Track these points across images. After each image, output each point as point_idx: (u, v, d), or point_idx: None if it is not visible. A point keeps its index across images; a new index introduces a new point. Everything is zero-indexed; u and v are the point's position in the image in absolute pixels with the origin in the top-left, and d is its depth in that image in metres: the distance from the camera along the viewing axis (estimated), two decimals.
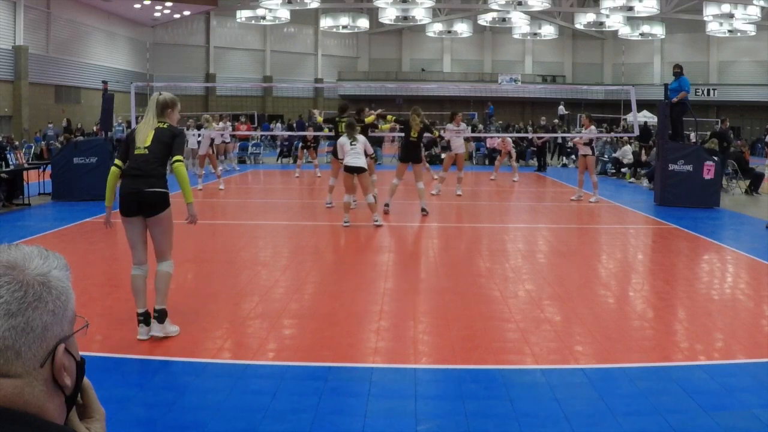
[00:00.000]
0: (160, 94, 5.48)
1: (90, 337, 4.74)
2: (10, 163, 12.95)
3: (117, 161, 5.39)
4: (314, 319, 5.87)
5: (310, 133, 21.73)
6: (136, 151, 5.23)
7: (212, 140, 20.70)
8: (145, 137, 5.26)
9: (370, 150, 11.37)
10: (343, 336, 5.43)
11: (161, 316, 5.29)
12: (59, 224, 10.85)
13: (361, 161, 10.77)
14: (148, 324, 5.27)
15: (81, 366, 1.14)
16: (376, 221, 10.85)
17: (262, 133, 30.47)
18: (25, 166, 13.88)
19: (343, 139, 11.08)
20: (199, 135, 20.80)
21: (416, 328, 5.62)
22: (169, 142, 5.26)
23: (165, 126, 5.32)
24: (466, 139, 22.77)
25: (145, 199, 5.17)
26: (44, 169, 14.68)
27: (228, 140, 21.17)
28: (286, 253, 9.33)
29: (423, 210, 12.06)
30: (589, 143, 14.44)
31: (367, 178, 11.08)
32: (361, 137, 11.04)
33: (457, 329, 5.57)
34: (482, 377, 4.60)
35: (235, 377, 4.51)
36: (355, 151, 10.76)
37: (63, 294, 1.09)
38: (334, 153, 12.27)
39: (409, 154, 12.27)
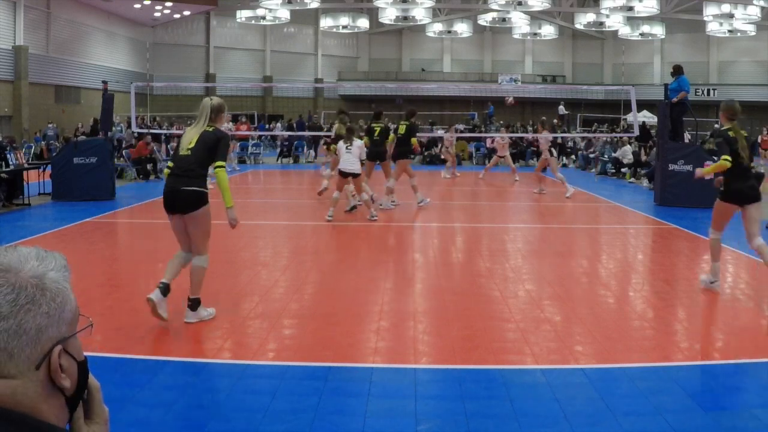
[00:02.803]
0: (212, 99, 5.72)
1: (90, 337, 4.75)
2: (10, 163, 12.94)
3: (170, 162, 5.74)
4: (314, 319, 5.87)
5: (308, 134, 21.69)
6: (181, 152, 5.53)
7: None
8: (190, 139, 5.54)
9: (364, 156, 11.67)
10: (343, 336, 5.43)
11: (194, 304, 5.63)
12: (59, 224, 10.85)
13: (356, 166, 11.09)
14: (164, 294, 5.49)
15: (83, 366, 1.14)
16: (373, 217, 11.23)
17: (262, 133, 30.48)
18: (25, 166, 13.87)
19: (341, 144, 11.27)
20: None
21: (416, 328, 5.62)
22: (212, 146, 5.52)
23: (211, 130, 5.57)
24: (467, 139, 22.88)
25: (181, 198, 5.45)
26: (44, 169, 14.68)
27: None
28: (286, 253, 9.33)
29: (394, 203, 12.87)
30: (549, 146, 15.92)
31: (361, 181, 11.30)
32: (357, 142, 11.27)
33: (457, 329, 5.57)
34: (482, 377, 4.60)
35: (235, 377, 4.51)
36: (350, 155, 11.04)
37: (59, 296, 1.09)
38: (370, 157, 12.69)
39: (375, 153, 12.79)
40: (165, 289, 5.49)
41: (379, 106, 18.15)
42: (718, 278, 6.98)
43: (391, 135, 13.34)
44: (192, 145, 5.49)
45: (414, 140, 13.62)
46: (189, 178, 5.44)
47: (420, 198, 13.11)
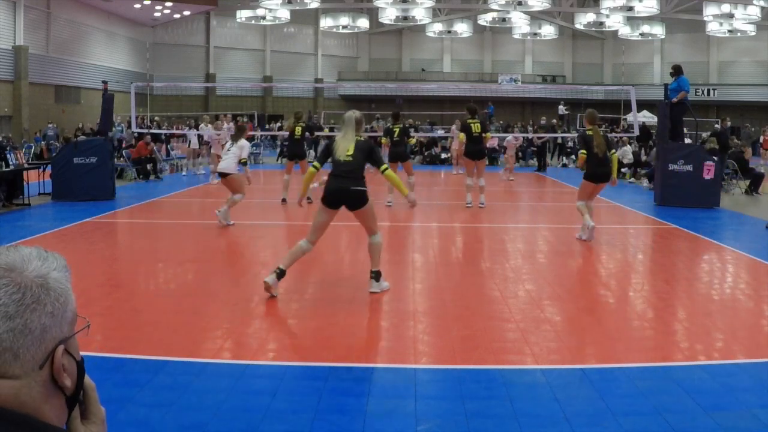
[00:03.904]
0: (354, 113, 6.67)
1: (90, 337, 4.75)
2: (10, 163, 12.95)
3: (316, 164, 6.77)
4: (314, 319, 5.87)
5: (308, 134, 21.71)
6: (342, 159, 6.41)
7: (201, 137, 20.77)
8: (346, 148, 6.45)
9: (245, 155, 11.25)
10: (343, 336, 5.43)
11: (377, 276, 6.55)
12: (59, 224, 10.85)
13: (231, 167, 10.77)
14: (279, 278, 6.38)
15: (81, 366, 1.14)
16: (227, 222, 10.79)
17: (263, 132, 30.48)
18: (25, 166, 13.87)
19: (228, 144, 11.24)
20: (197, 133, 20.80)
21: (416, 328, 5.62)
22: (368, 152, 6.52)
23: (362, 139, 6.57)
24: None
25: (350, 196, 6.39)
26: (44, 169, 14.67)
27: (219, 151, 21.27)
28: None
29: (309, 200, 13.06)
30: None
31: (234, 182, 10.95)
32: (242, 143, 11.05)
33: (457, 329, 5.57)
34: (482, 377, 4.60)
35: (235, 377, 4.51)
36: (229, 155, 10.85)
37: (62, 295, 1.09)
38: (391, 158, 13.15)
39: (295, 151, 13.67)
40: (280, 274, 6.39)
41: (379, 106, 18.22)
42: (588, 232, 9.50)
43: (384, 139, 13.74)
44: (351, 152, 6.40)
45: (412, 140, 13.96)
46: (355, 179, 6.38)
47: (390, 199, 13.39)
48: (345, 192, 6.37)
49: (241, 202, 11.05)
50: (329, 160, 6.65)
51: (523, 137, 25.17)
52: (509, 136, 21.92)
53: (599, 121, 10.62)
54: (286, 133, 28.01)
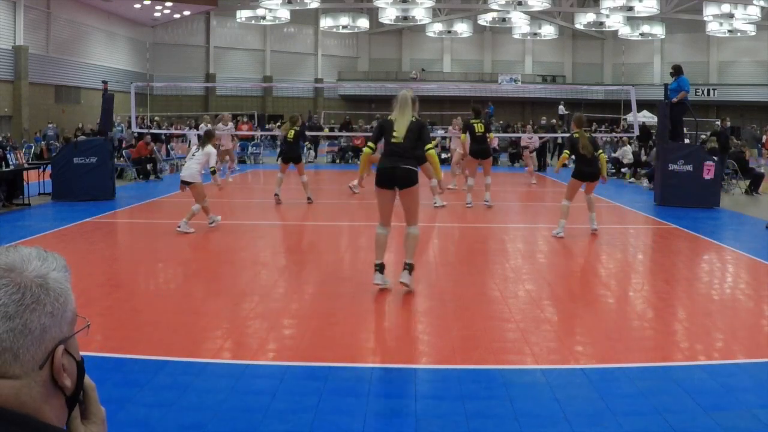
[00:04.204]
0: (409, 91, 6.64)
1: (90, 337, 4.75)
2: (10, 163, 12.94)
3: (370, 144, 6.83)
4: (314, 319, 5.87)
5: (308, 134, 21.71)
6: (393, 140, 6.43)
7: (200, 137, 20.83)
8: (398, 128, 6.45)
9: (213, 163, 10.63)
10: (343, 336, 5.43)
11: (411, 268, 6.50)
12: (59, 224, 10.85)
13: (193, 174, 10.14)
14: (381, 272, 6.55)
15: (81, 366, 1.14)
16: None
17: (263, 132, 30.48)
18: (25, 166, 13.87)
19: (194, 148, 10.78)
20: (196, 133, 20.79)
21: (416, 328, 5.62)
22: (419, 132, 6.48)
23: (414, 119, 6.52)
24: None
25: (400, 174, 6.36)
26: (44, 169, 14.67)
27: (229, 146, 21.28)
28: (286, 253, 9.33)
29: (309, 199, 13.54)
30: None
31: (197, 190, 10.18)
32: (208, 149, 10.30)
33: (457, 329, 5.57)
34: (482, 377, 4.60)
35: (235, 377, 4.51)
36: (192, 161, 10.30)
37: (62, 296, 1.09)
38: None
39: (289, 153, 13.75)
40: (382, 268, 6.56)
41: (379, 106, 18.21)
42: (563, 230, 10.04)
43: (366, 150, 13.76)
44: (403, 133, 6.41)
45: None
46: (406, 158, 6.38)
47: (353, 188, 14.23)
48: (396, 170, 6.37)
49: (241, 201, 11.05)
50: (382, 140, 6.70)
51: (526, 138, 25.15)
52: (524, 136, 21.83)
53: (586, 125, 10.95)
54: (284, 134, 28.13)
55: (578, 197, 10.52)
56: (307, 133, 26.85)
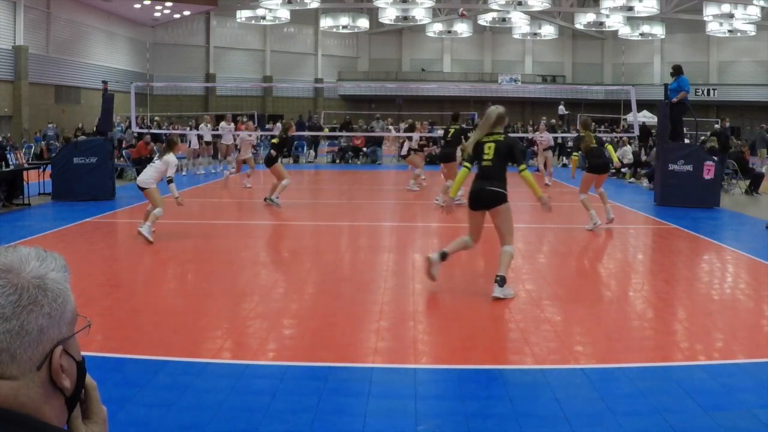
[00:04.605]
0: (498, 108, 6.67)
1: (90, 337, 4.76)
2: (10, 163, 12.94)
3: (467, 164, 6.81)
4: (314, 319, 5.87)
5: (308, 133, 21.70)
6: (484, 163, 6.56)
7: (201, 137, 20.80)
8: (488, 149, 6.53)
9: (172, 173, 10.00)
10: (343, 336, 5.43)
11: (501, 281, 6.49)
12: (59, 224, 10.85)
13: (148, 180, 9.59)
14: (442, 259, 6.72)
15: (81, 366, 1.14)
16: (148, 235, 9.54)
17: (262, 133, 30.45)
18: (25, 166, 13.87)
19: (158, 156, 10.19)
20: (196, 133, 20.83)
21: (416, 328, 5.62)
22: (507, 152, 6.54)
23: (502, 139, 6.58)
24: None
25: (486, 196, 6.49)
26: (44, 169, 14.67)
27: (230, 142, 21.29)
28: (286, 253, 9.33)
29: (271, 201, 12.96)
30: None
31: (152, 195, 9.70)
32: (168, 157, 9.71)
33: (457, 329, 5.57)
34: (482, 377, 4.60)
35: (235, 377, 4.51)
36: (150, 168, 9.81)
37: (60, 296, 1.08)
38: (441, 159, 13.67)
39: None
40: (444, 256, 6.70)
41: (379, 106, 18.22)
42: (596, 219, 10.67)
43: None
44: (491, 156, 6.50)
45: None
46: (494, 180, 6.47)
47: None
48: (482, 192, 6.50)
49: (241, 201, 11.03)
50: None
51: (529, 137, 25.13)
52: (536, 135, 21.79)
53: (591, 126, 11.47)
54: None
55: (576, 198, 10.54)
56: (306, 133, 26.91)
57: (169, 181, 9.55)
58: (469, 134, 13.94)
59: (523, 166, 6.61)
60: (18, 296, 1.04)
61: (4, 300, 1.03)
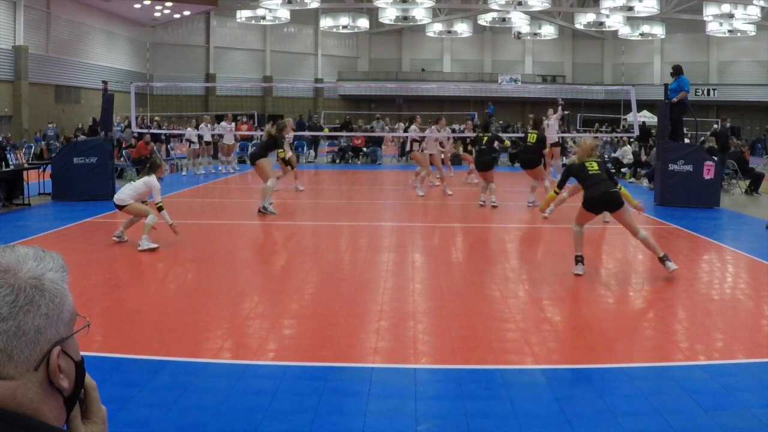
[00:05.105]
0: (595, 140, 8.42)
1: (90, 337, 4.76)
2: (10, 163, 12.94)
3: (556, 189, 8.62)
4: (314, 319, 5.87)
5: (308, 133, 21.69)
6: (591, 171, 7.63)
7: (201, 137, 20.78)
8: (591, 166, 7.67)
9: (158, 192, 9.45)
10: (343, 336, 5.43)
11: (665, 257, 7.48)
12: (59, 224, 10.85)
13: (125, 198, 9.14)
14: (581, 263, 7.54)
15: (80, 366, 1.13)
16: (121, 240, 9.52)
17: (262, 132, 30.47)
18: (25, 166, 13.87)
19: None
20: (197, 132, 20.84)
21: (416, 328, 5.62)
22: (605, 164, 7.99)
23: (598, 159, 7.91)
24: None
25: (610, 198, 7.50)
26: (44, 169, 14.67)
27: (230, 141, 21.31)
28: (286, 253, 9.33)
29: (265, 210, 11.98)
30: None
31: (134, 210, 9.27)
32: (148, 179, 9.24)
33: (457, 329, 5.57)
34: (482, 377, 4.60)
35: (235, 377, 4.51)
36: (129, 186, 9.43)
37: (57, 297, 1.08)
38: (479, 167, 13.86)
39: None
40: (582, 259, 7.56)
41: (379, 106, 18.21)
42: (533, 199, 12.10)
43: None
44: (596, 168, 7.66)
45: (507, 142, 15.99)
46: (610, 182, 7.58)
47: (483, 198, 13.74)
48: (606, 194, 7.47)
49: (240, 201, 11.02)
50: (578, 180, 7.82)
51: (516, 137, 25.07)
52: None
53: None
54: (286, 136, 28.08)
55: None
56: (306, 133, 26.92)
57: (160, 209, 8.99)
58: (502, 138, 15.10)
59: (618, 185, 7.78)
60: (15, 297, 1.04)
61: (1, 300, 1.03)
